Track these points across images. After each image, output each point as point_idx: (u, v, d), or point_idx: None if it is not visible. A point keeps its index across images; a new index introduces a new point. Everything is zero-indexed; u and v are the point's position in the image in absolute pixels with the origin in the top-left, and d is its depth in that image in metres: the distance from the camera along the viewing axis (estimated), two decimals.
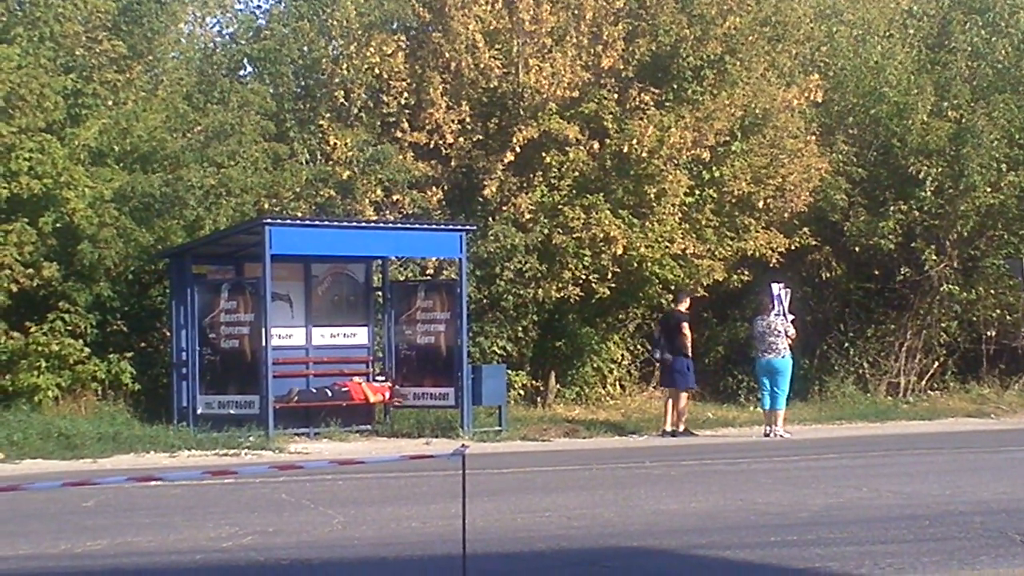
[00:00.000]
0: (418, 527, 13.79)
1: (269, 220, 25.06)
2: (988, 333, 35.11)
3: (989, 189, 32.67)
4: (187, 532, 13.73)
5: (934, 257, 33.09)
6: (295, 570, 12.11)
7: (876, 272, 34.69)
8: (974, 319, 34.71)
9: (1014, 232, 33.86)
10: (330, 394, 25.69)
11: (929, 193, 32.68)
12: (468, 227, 27.47)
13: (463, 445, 10.97)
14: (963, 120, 32.82)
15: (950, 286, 33.56)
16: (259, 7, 32.93)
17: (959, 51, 33.82)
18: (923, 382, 34.63)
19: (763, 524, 14.66)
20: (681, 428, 27.27)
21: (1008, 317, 34.47)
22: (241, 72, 31.59)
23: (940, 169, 32.56)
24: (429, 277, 29.35)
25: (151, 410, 25.34)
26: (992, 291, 33.94)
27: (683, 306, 28.20)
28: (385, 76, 29.42)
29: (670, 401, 27.60)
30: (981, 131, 32.22)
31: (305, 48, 30.15)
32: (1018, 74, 33.80)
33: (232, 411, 24.60)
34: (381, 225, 27.90)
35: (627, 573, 12.07)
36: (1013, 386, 34.86)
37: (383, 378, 26.73)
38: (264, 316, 24.26)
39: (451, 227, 27.48)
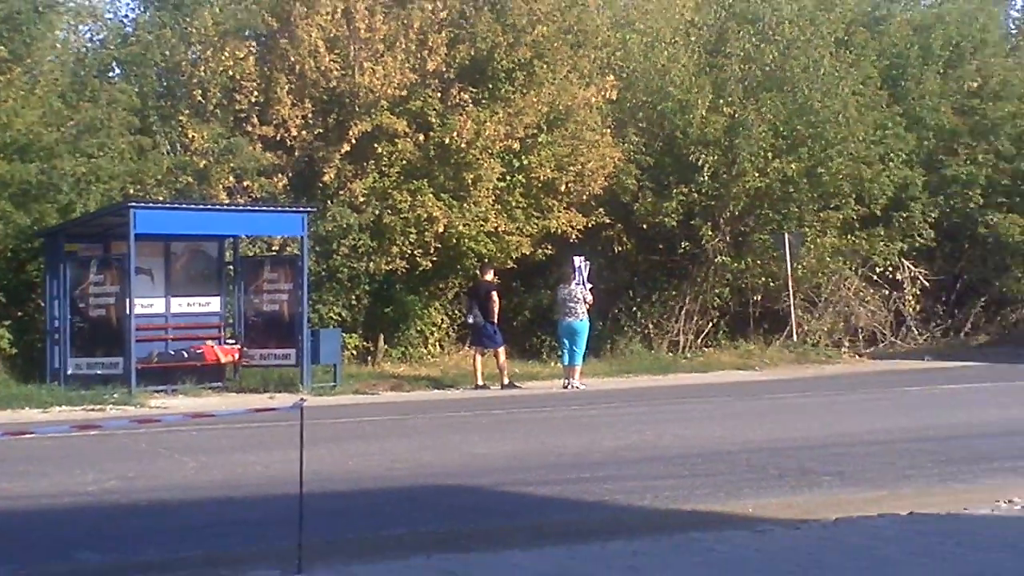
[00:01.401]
0: (262, 471, 14.54)
1: (133, 204, 26.56)
2: (755, 298, 37.21)
3: (757, 174, 34.87)
4: (57, 479, 14.68)
5: (710, 233, 35.34)
6: (153, 509, 12.99)
7: (660, 246, 36.50)
8: (743, 286, 36.75)
9: (778, 211, 36.02)
10: (186, 356, 27.37)
11: (706, 178, 34.73)
12: (309, 209, 28.75)
13: (302, 399, 11.42)
14: (736, 115, 34.78)
15: (723, 258, 35.80)
16: (126, 16, 34.15)
17: (733, 56, 35.84)
18: (699, 340, 36.41)
19: (562, 464, 15.97)
20: (505, 382, 28.72)
21: (772, 284, 36.52)
22: (110, 73, 32.60)
23: (716, 157, 34.69)
24: (275, 253, 30.83)
25: (26, 372, 26.67)
26: (759, 262, 36.22)
27: (488, 276, 29.76)
28: (237, 77, 30.65)
29: (479, 359, 28.99)
30: (751, 125, 34.57)
31: (167, 52, 31.09)
32: (783, 76, 35.68)
33: (99, 371, 26.07)
34: (232, 208, 29.36)
35: (443, 507, 13.15)
36: (775, 343, 36.68)
37: (233, 341, 28.48)
38: (128, 288, 25.93)
39: (294, 209, 28.99)
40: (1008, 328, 42.40)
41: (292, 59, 31.02)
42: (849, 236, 37.93)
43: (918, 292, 40.42)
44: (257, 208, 30.03)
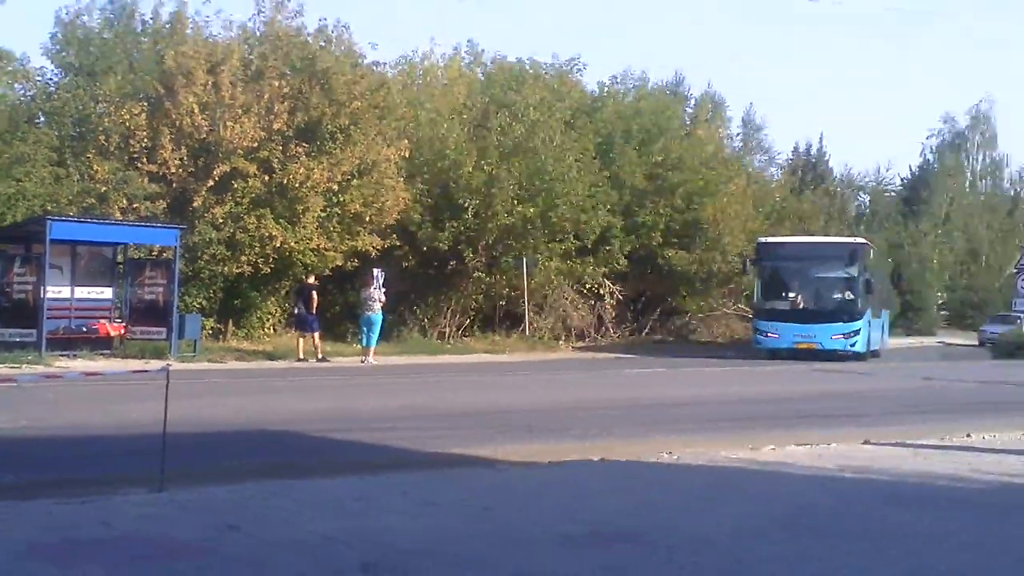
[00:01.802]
0: (137, 417, 13.97)
1: (50, 217, 26.40)
2: (501, 303, 37.43)
3: (506, 215, 34.97)
4: None
5: (471, 255, 35.62)
6: (55, 443, 12.86)
7: (436, 263, 36.38)
8: (493, 294, 36.90)
9: (519, 242, 36.05)
10: (85, 330, 27.17)
11: (470, 216, 35.00)
12: (180, 227, 28.53)
13: (168, 364, 11.33)
14: (492, 172, 34.86)
15: (479, 273, 36.21)
16: (51, 79, 33.08)
17: (492, 130, 36.12)
18: (460, 332, 36.58)
19: (361, 418, 15.65)
20: (320, 357, 28.60)
21: (513, 293, 36.75)
22: (36, 120, 32.17)
23: (477, 201, 34.98)
24: (154, 257, 29.99)
25: None
26: (504, 278, 36.45)
27: (310, 280, 29.94)
28: (132, 128, 30.20)
29: (301, 340, 28.95)
30: (503, 179, 34.79)
31: (80, 107, 30.79)
32: (527, 145, 35.66)
33: (18, 339, 25.71)
34: (124, 223, 28.83)
35: (272, 446, 12.94)
36: (514, 335, 36.88)
37: (120, 320, 28.24)
38: (43, 278, 25.90)
39: (169, 226, 28.65)
40: (676, 330, 43.17)
41: (173, 116, 30.69)
42: (568, 262, 38.33)
43: (615, 303, 40.99)
44: (142, 224, 29.45)
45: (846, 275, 34.78)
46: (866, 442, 13.32)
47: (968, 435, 14.13)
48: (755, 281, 35.58)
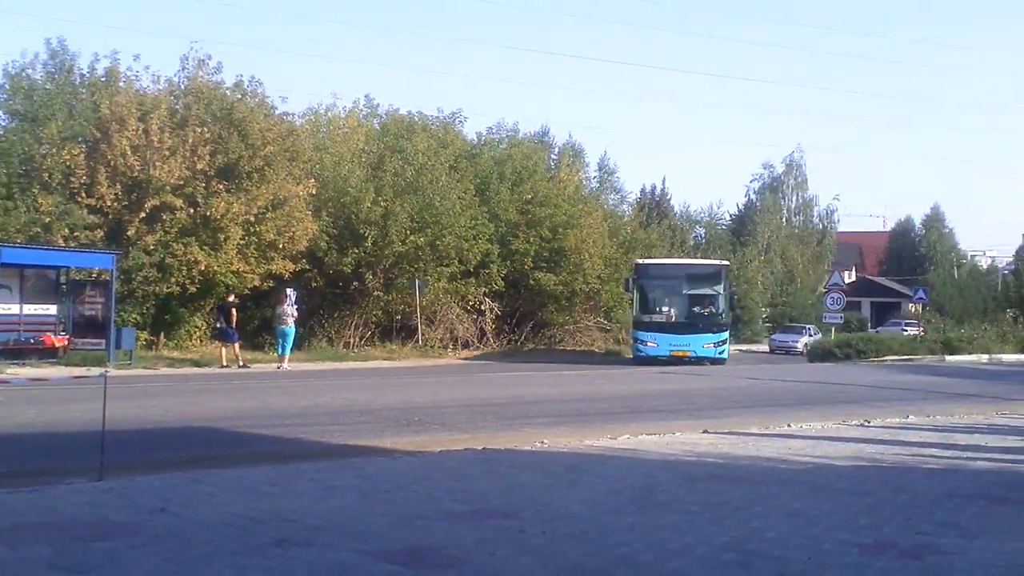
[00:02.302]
0: (78, 416, 13.69)
1: (1, 244, 26.09)
2: (397, 317, 37.06)
3: (400, 244, 34.89)
4: None
5: (371, 277, 35.46)
6: (5, 439, 12.67)
7: (340, 284, 36.08)
8: (390, 310, 36.70)
9: (412, 266, 35.85)
10: (33, 342, 26.75)
11: (370, 244, 34.81)
12: (116, 252, 28.38)
13: (106, 371, 11.14)
14: (388, 207, 34.89)
15: (378, 293, 35.89)
16: (0, 124, 32.32)
17: (387, 171, 36.13)
18: (362, 342, 35.99)
19: (275, 415, 15.53)
20: (241, 364, 28.31)
21: (407, 309, 36.52)
22: None
23: (375, 232, 34.75)
24: (94, 278, 29.55)
25: None
26: (400, 296, 36.25)
27: (231, 298, 29.74)
28: (72, 167, 29.58)
29: (223, 350, 28.60)
30: (397, 213, 34.75)
31: (26, 148, 30.02)
32: (417, 185, 35.70)
33: None
34: (66, 249, 28.41)
35: (197, 440, 12.79)
36: (408, 345, 36.34)
37: (64, 333, 27.63)
38: None
39: (106, 252, 28.45)
40: (546, 341, 43.24)
41: (109, 157, 30.20)
42: (454, 282, 38.17)
43: (494, 317, 40.79)
44: (82, 250, 29.04)
45: (713, 292, 35.00)
46: (705, 431, 13.48)
47: (788, 425, 14.37)
48: (634, 297, 35.29)
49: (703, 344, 33.52)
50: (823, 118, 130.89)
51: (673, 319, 34.29)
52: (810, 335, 52.93)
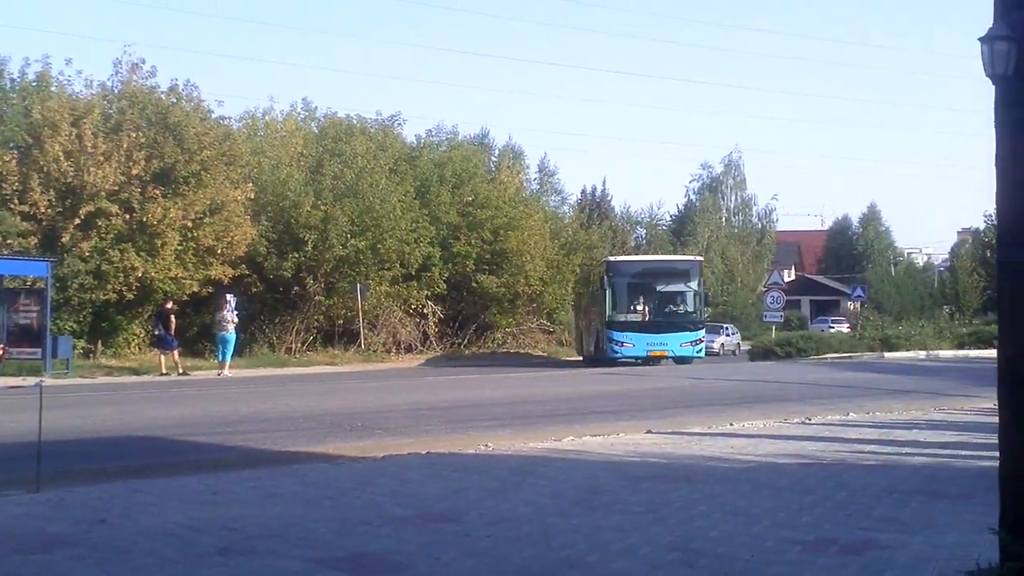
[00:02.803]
0: (15, 426, 13.45)
1: None
2: (339, 322, 37.04)
3: (341, 247, 35.00)
4: None
5: (312, 282, 35.46)
6: None
7: (281, 289, 36.19)
8: (332, 315, 36.68)
9: (353, 270, 35.90)
10: None
11: (310, 248, 34.95)
12: (51, 260, 28.31)
13: (42, 380, 11.02)
14: (328, 211, 34.95)
15: (320, 297, 35.90)
16: None
17: (327, 175, 36.54)
18: (303, 347, 35.95)
19: (213, 422, 15.28)
20: (180, 371, 28.10)
21: (349, 314, 36.43)
22: None
23: (315, 236, 34.88)
24: (28, 286, 29.16)
25: None
26: (342, 300, 36.21)
27: (169, 305, 29.37)
28: (4, 173, 29.54)
29: (162, 357, 28.43)
30: (337, 217, 34.85)
31: None
32: (357, 188, 35.88)
33: None
34: (0, 256, 28.11)
35: (136, 449, 12.65)
36: (351, 350, 36.28)
37: None
38: None
39: (41, 259, 28.42)
40: (489, 344, 43.31)
41: (41, 163, 29.98)
42: (396, 286, 38.14)
43: (437, 321, 40.81)
44: (16, 257, 28.80)
45: (687, 288, 34.19)
46: (648, 432, 13.54)
47: (731, 424, 14.49)
48: (606, 296, 33.51)
49: (680, 343, 32.70)
50: (761, 118, 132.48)
51: (648, 318, 33.36)
52: (728, 334, 52.01)
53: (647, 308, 33.71)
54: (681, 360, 32.75)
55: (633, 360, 33.05)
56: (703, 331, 33.93)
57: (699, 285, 34.24)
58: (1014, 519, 5.56)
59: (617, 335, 32.85)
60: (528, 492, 8.98)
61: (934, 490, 8.95)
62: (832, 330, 57.38)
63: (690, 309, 34.05)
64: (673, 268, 35.54)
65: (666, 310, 34.03)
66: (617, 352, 32.96)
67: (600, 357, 33.93)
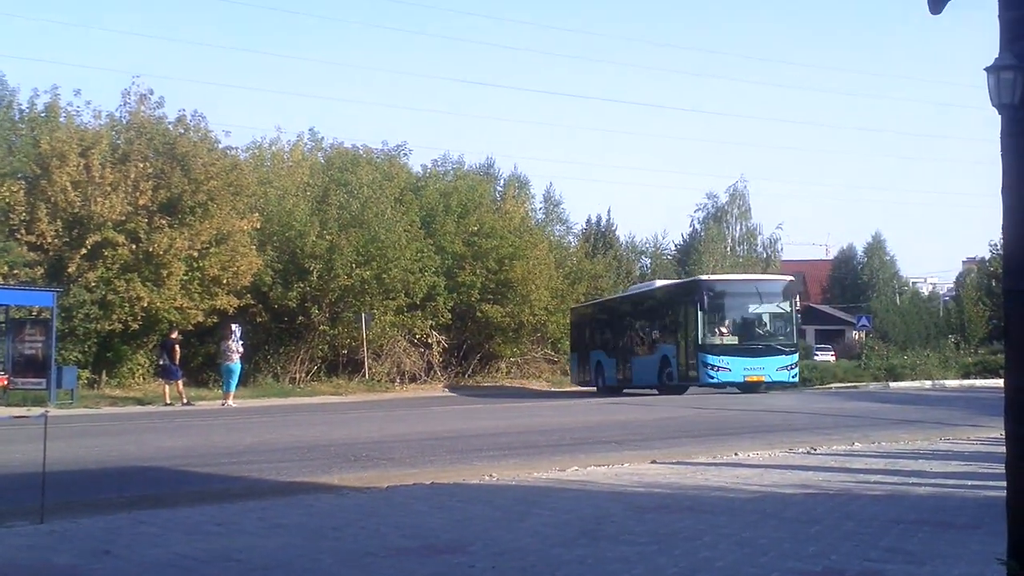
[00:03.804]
0: (20, 457, 13.34)
1: None
2: (343, 351, 37.24)
3: (346, 277, 35.12)
4: None
5: (316, 311, 35.70)
6: None
7: (286, 319, 36.33)
8: (336, 344, 36.83)
9: (358, 300, 36.10)
10: None
11: (315, 278, 35.10)
12: (57, 290, 28.39)
13: (47, 411, 10.98)
14: (333, 241, 35.27)
15: (324, 327, 36.16)
16: None
17: (332, 205, 36.55)
18: (308, 377, 36.25)
19: (221, 453, 15.22)
20: (185, 401, 28.22)
21: (354, 343, 36.66)
22: None
23: (321, 266, 35.10)
24: (34, 316, 29.41)
25: None
26: (346, 330, 36.39)
27: (174, 335, 29.55)
28: (12, 203, 29.83)
29: (167, 387, 28.70)
30: (342, 247, 35.10)
31: None
32: (362, 218, 36.15)
33: None
34: (6, 287, 28.40)
35: (141, 480, 12.49)
36: (355, 379, 36.52)
37: (3, 373, 27.85)
38: None
39: (47, 290, 28.47)
40: (493, 373, 43.24)
41: (49, 193, 30.26)
42: (400, 316, 38.28)
43: (441, 350, 40.94)
44: (22, 288, 28.95)
45: (782, 310, 31.84)
46: (653, 462, 13.45)
47: (736, 453, 14.40)
48: (698, 318, 30.79)
49: (776, 367, 30.56)
50: (766, 148, 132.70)
51: (747, 341, 30.97)
52: None
53: (745, 331, 31.45)
54: (775, 386, 30.89)
55: (732, 385, 30.95)
56: (796, 355, 31.90)
57: (791, 306, 32.06)
58: (1022, 549, 5.51)
59: (712, 359, 30.41)
60: (533, 522, 8.91)
61: (941, 520, 8.87)
62: (818, 358, 57.26)
63: (786, 331, 31.84)
64: (767, 288, 32.73)
65: (761, 332, 31.73)
66: (713, 377, 30.52)
67: (677, 384, 31.92)
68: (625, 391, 34.72)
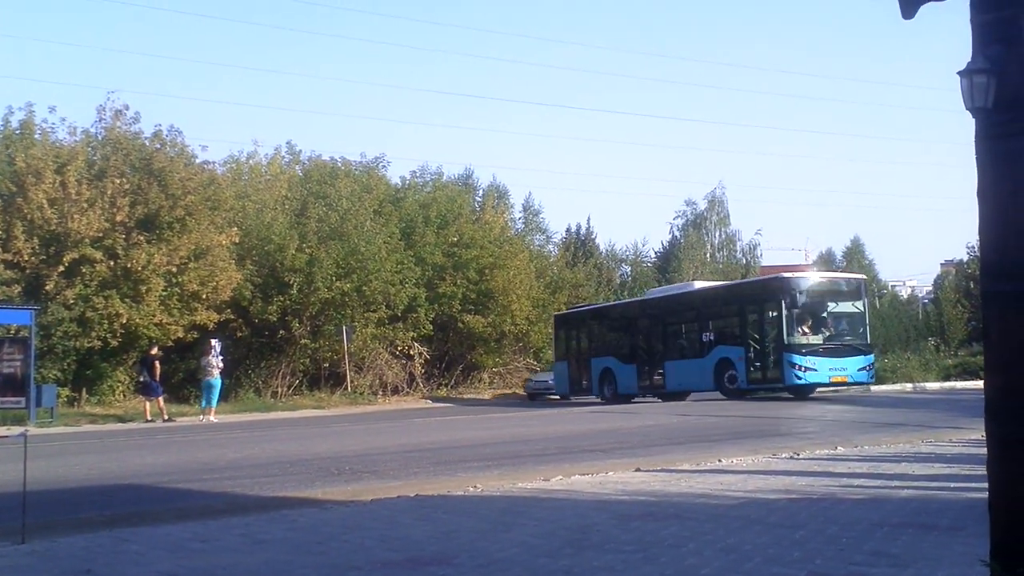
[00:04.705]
0: (1, 477, 12.44)
1: None
2: (325, 365, 37.32)
3: (326, 290, 35.23)
4: None
5: (297, 325, 35.74)
6: None
7: (267, 332, 36.39)
8: (318, 358, 36.91)
9: (339, 312, 36.25)
10: None
11: (295, 292, 35.16)
12: (35, 308, 28.35)
13: (26, 430, 10.65)
14: (313, 254, 35.32)
15: (305, 340, 36.19)
16: None
17: (311, 218, 36.62)
18: (290, 391, 36.28)
19: (201, 468, 15.21)
20: (165, 418, 28.26)
21: (335, 356, 36.79)
22: None
23: (301, 279, 35.17)
24: (12, 335, 29.28)
25: None
26: (327, 343, 36.50)
27: (154, 351, 29.53)
28: None
29: (147, 404, 28.49)
30: (322, 260, 35.15)
31: None
32: (342, 231, 36.18)
33: None
34: None
35: (122, 498, 12.42)
36: (337, 392, 36.58)
37: None
38: None
39: (25, 308, 28.46)
40: (476, 384, 43.21)
41: (25, 211, 30.18)
42: (382, 328, 38.25)
43: (423, 362, 40.89)
44: (0, 307, 28.79)
45: (857, 309, 30.95)
46: (637, 469, 13.44)
47: (719, 460, 14.40)
48: (781, 317, 29.86)
49: (856, 367, 29.86)
50: (744, 154, 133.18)
51: (831, 341, 30.14)
52: None
53: (829, 331, 30.60)
54: (854, 385, 30.38)
55: (819, 386, 30.40)
56: (873, 355, 31.05)
57: (865, 305, 31.23)
58: (1004, 551, 5.54)
59: (799, 359, 29.40)
60: (518, 533, 8.89)
61: (924, 523, 8.91)
62: None
63: (863, 331, 30.95)
64: (844, 287, 31.70)
65: (842, 332, 30.80)
66: (800, 378, 29.54)
67: (745, 386, 30.94)
68: (636, 400, 33.86)
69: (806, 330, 30.03)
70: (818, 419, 22.38)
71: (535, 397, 39.82)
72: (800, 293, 30.07)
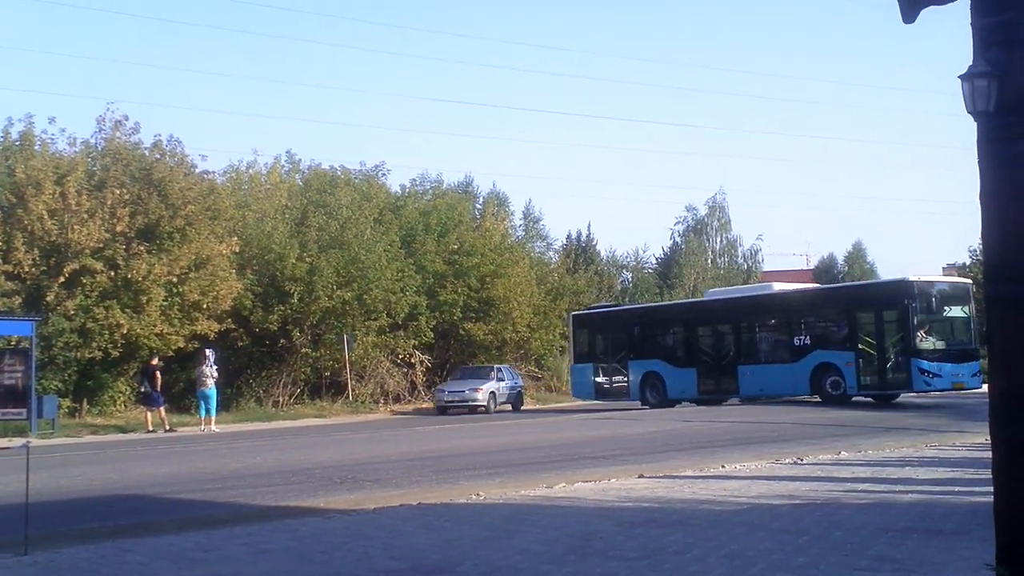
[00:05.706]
0: (4, 488, 12.80)
1: None
2: (326, 373, 37.14)
3: (327, 299, 35.02)
4: None
5: (298, 334, 35.48)
6: None
7: (267, 342, 36.19)
8: (319, 366, 36.73)
9: (340, 321, 35.99)
10: None
11: (295, 300, 34.91)
12: (36, 319, 28.22)
13: (28, 441, 10.74)
14: (313, 263, 35.06)
15: (306, 349, 35.97)
16: None
17: (312, 227, 36.47)
18: (291, 400, 35.97)
19: (203, 479, 15.25)
20: (167, 428, 28.14)
21: (336, 365, 36.54)
22: None
23: (301, 288, 34.92)
24: (13, 346, 29.07)
25: None
26: (328, 352, 36.32)
27: (155, 361, 29.50)
28: None
29: (149, 414, 28.47)
30: (323, 269, 34.90)
31: None
32: (342, 239, 36.02)
33: None
34: None
35: (124, 508, 12.40)
36: (338, 401, 36.48)
37: None
38: None
39: (25, 319, 28.34)
40: None
41: (26, 222, 30.02)
42: (383, 336, 38.10)
43: (424, 370, 40.89)
44: (0, 318, 28.74)
45: (966, 314, 30.18)
46: (641, 476, 13.46)
47: (723, 466, 14.43)
48: (908, 322, 28.92)
49: (971, 373, 29.26)
50: (745, 159, 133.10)
51: (954, 346, 29.54)
52: (501, 379, 38.06)
53: (951, 336, 29.94)
54: (968, 390, 29.68)
55: (943, 391, 29.91)
56: (979, 360, 29.91)
57: (972, 309, 30.21)
58: (1011, 555, 5.53)
59: (927, 365, 28.61)
60: (522, 540, 8.89)
61: (929, 528, 8.90)
62: None
63: (971, 335, 30.16)
64: (962, 291, 30.82)
65: (959, 336, 30.13)
66: (928, 384, 28.86)
67: (855, 391, 29.92)
68: (683, 404, 32.98)
69: (928, 335, 29.38)
70: (822, 424, 22.31)
71: (446, 411, 35.83)
72: (926, 297, 29.48)
